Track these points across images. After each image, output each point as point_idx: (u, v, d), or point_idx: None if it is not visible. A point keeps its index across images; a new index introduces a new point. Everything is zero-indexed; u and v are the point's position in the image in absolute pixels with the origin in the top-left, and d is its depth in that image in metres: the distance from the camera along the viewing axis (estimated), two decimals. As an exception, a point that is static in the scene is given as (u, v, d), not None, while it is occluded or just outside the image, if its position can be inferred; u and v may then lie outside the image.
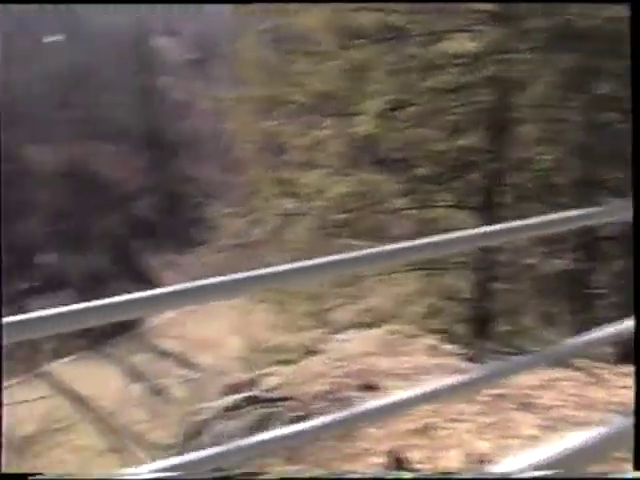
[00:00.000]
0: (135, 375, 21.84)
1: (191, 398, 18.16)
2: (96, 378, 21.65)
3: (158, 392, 20.71)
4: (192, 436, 10.08)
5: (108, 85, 35.27)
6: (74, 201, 30.22)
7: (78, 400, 20.92)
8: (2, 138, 27.33)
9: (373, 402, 2.46)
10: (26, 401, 19.76)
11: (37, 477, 1.75)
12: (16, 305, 26.62)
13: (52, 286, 27.31)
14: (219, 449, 2.13)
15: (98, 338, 22.90)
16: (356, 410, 2.43)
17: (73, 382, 21.53)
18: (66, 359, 22.93)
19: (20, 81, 32.65)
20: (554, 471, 2.22)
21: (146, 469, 1.99)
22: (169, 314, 23.66)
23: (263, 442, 2.20)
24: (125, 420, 19.88)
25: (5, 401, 19.46)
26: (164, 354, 22.32)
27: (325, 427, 2.43)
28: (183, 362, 21.20)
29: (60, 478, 1.87)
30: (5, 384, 21.36)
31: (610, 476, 2.45)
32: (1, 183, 21.34)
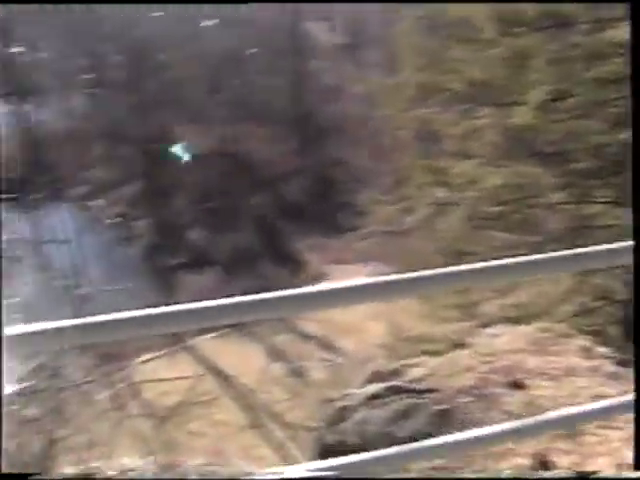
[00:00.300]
0: (276, 355, 22.11)
1: (331, 382, 18.24)
2: (238, 355, 22.03)
3: (298, 373, 20.90)
4: (334, 421, 10.09)
5: (260, 69, 35.81)
6: (225, 181, 30.84)
7: (220, 376, 21.36)
8: (158, 119, 28.24)
9: (544, 415, 2.32)
10: (170, 375, 20.32)
11: (37, 477, 1.72)
12: (165, 279, 27.50)
13: (199, 263, 28.00)
14: (389, 452, 2.05)
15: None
16: (530, 421, 2.29)
17: (216, 358, 21.99)
18: (210, 335, 23.44)
19: (176, 63, 33.58)
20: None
21: (311, 466, 1.94)
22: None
23: (430, 448, 2.10)
24: (265, 398, 20.15)
25: (150, 373, 20.13)
26: (306, 336, 22.49)
27: (497, 436, 2.31)
28: (325, 345, 21.31)
29: (60, 478, 1.83)
30: (150, 356, 22.10)
31: (610, 476, 2.32)
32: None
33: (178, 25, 33.42)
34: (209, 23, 33.13)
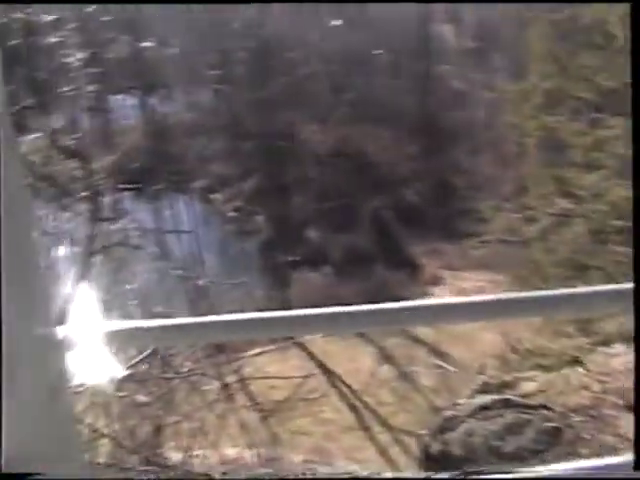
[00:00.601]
0: (386, 358, 21.99)
1: (440, 390, 18.03)
2: (348, 355, 22.01)
3: (407, 378, 20.72)
4: (440, 430, 9.95)
5: (385, 70, 35.72)
6: (343, 181, 30.90)
7: (328, 374, 21.39)
8: (281, 116, 28.55)
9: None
10: (279, 370, 20.47)
11: (37, 477, 1.67)
12: (279, 276, 27.75)
13: (313, 261, 28.11)
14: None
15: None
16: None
17: (325, 356, 22.03)
18: (320, 334, 23.53)
19: (302, 62, 33.84)
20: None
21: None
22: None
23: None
24: (372, 400, 20.07)
25: (260, 367, 20.32)
26: (418, 341, 22.27)
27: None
28: (436, 352, 21.05)
29: (60, 478, 1.76)
30: (261, 350, 22.31)
31: (610, 476, 2.13)
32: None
33: (305, 24, 33.73)
34: (336, 23, 33.31)
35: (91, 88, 16.59)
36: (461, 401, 8.42)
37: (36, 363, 1.64)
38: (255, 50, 32.95)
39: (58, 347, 1.70)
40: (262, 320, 1.91)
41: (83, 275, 14.62)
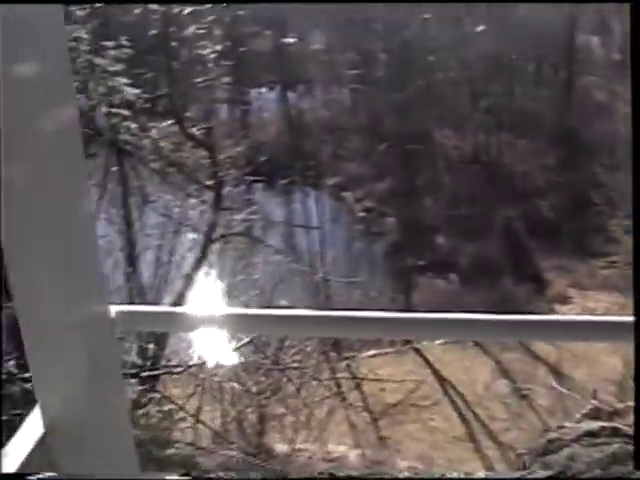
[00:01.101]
0: (503, 372, 21.55)
1: (552, 411, 17.54)
2: (464, 366, 21.71)
3: (522, 395, 20.24)
4: (544, 452, 9.63)
5: (527, 78, 34.98)
6: (476, 189, 30.48)
7: (442, 383, 21.15)
8: (417, 120, 28.37)
9: None
10: (393, 374, 20.40)
11: (37, 477, 1.64)
12: (403, 279, 27.63)
13: (439, 268, 27.84)
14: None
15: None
16: None
17: (441, 365, 21.80)
18: (440, 340, 23.33)
19: (442, 67, 33.54)
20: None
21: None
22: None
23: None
24: (483, 414, 19.72)
25: (375, 368, 20.26)
26: (537, 358, 21.74)
27: None
28: (554, 371, 20.48)
29: (60, 478, 1.72)
30: (377, 351, 22.27)
31: (610, 476, 1.92)
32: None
33: (448, 29, 33.41)
34: (480, 28, 32.86)
35: (229, 80, 16.97)
36: (568, 424, 8.12)
37: (83, 337, 1.65)
38: (395, 52, 32.87)
39: (108, 324, 1.71)
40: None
41: (203, 261, 14.98)
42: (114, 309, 1.73)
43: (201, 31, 14.96)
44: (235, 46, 22.07)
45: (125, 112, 13.54)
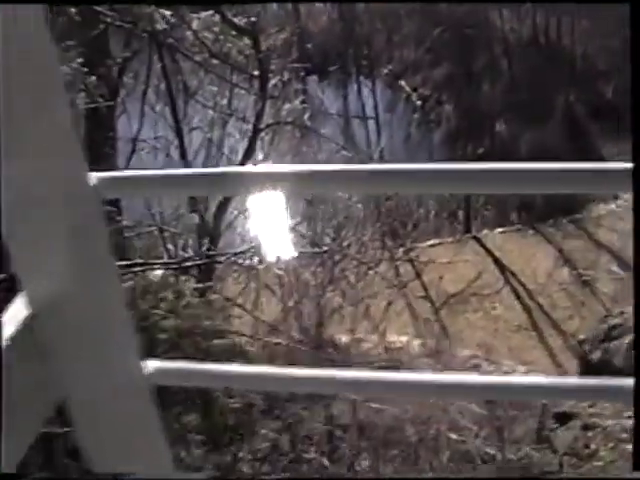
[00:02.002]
0: (565, 260, 21.20)
1: (616, 297, 17.22)
2: (525, 254, 21.42)
3: (584, 283, 19.92)
4: (604, 339, 9.43)
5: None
6: (537, 73, 29.57)
7: (504, 271, 20.93)
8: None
9: None
10: (453, 262, 20.16)
11: (37, 477, 1.47)
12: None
13: (498, 155, 27.28)
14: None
15: (539, 215, 22.57)
16: None
17: (502, 253, 21.54)
18: (500, 229, 22.99)
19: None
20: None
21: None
22: (610, 205, 22.51)
23: None
24: (545, 302, 19.50)
25: (435, 257, 20.08)
26: (600, 245, 21.33)
27: None
28: (618, 258, 20.04)
29: (60, 478, 1.55)
30: (437, 241, 22.10)
31: (610, 476, 1.66)
32: None
33: None
34: None
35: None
36: (630, 309, 7.82)
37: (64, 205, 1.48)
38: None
39: (91, 191, 1.52)
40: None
41: (252, 151, 14.78)
42: (95, 175, 1.52)
43: None
44: None
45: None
